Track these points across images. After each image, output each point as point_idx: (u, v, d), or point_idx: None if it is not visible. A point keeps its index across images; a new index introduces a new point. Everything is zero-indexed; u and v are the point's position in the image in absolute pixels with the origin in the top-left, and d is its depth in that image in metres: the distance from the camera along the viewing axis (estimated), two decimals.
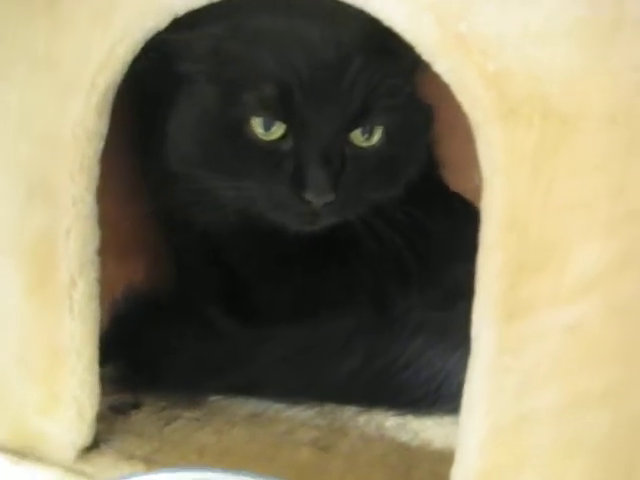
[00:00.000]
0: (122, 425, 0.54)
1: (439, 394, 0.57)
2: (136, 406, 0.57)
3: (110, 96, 0.46)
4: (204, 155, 0.56)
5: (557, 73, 0.36)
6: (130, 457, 0.50)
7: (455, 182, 0.71)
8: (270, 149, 0.53)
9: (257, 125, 0.53)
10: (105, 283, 0.57)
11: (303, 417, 0.56)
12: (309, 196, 0.52)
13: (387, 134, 0.56)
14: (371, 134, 0.55)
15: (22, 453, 0.51)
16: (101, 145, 0.47)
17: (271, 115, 0.53)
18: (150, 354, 0.60)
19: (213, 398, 0.58)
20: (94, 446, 0.51)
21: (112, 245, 0.61)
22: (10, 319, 0.50)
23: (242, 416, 0.56)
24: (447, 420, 0.56)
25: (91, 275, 0.49)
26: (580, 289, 0.37)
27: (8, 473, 0.50)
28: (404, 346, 0.58)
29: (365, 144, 0.55)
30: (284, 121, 0.53)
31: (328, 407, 0.58)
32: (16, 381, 0.50)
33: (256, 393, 0.58)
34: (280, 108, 0.52)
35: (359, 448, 0.53)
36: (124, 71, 0.45)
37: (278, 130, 0.53)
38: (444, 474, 0.48)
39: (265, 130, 0.53)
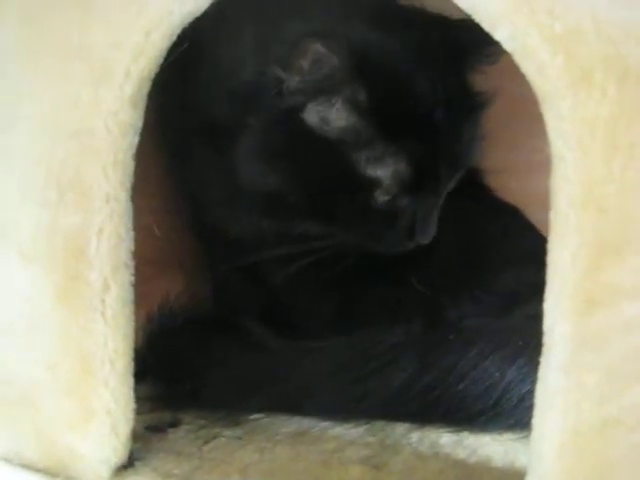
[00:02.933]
0: (159, 444, 0.51)
1: (497, 408, 0.52)
2: (174, 424, 0.54)
3: (145, 87, 0.44)
4: (300, 198, 0.55)
5: (636, 30, 0.33)
6: (168, 476, 0.46)
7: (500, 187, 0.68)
8: (385, 208, 0.55)
9: (380, 195, 0.54)
10: (142, 296, 0.55)
11: (352, 435, 0.52)
12: (420, 240, 0.57)
13: None
14: None
15: (53, 473, 0.48)
16: (136, 139, 0.45)
17: (400, 191, 0.54)
18: (189, 370, 0.57)
19: (254, 416, 0.54)
20: (129, 465, 0.47)
21: (149, 258, 0.59)
22: (40, 327, 0.46)
23: (286, 434, 0.52)
24: (506, 436, 0.52)
25: (125, 278, 0.46)
26: None
27: None
28: (458, 357, 0.54)
29: None
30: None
31: (378, 424, 0.53)
32: (46, 394, 0.47)
33: (300, 411, 0.55)
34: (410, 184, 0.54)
35: (413, 466, 0.48)
36: (160, 59, 0.43)
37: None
38: None
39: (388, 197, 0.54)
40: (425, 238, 0.56)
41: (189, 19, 0.42)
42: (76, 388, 0.46)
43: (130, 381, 0.47)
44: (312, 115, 0.52)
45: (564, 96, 0.34)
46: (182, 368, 0.57)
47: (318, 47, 0.48)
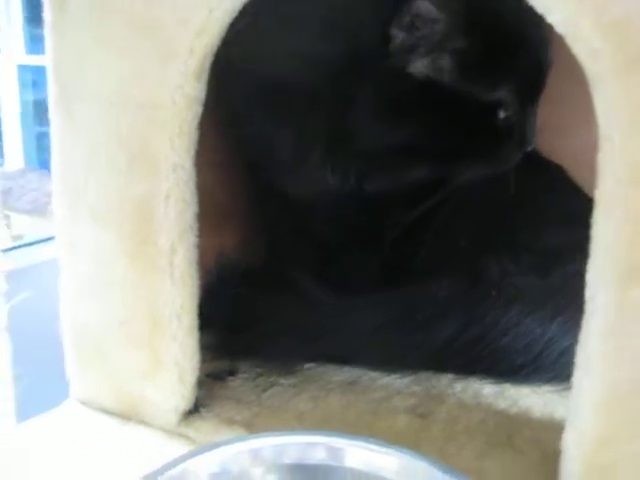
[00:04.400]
0: (220, 391, 0.55)
1: (538, 362, 0.55)
2: (232, 373, 0.58)
3: (208, 61, 0.46)
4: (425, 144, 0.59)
5: None
6: (231, 422, 0.50)
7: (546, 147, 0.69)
8: (505, 124, 0.59)
9: (501, 112, 0.59)
10: (200, 251, 0.58)
11: (399, 385, 0.56)
12: (528, 146, 0.61)
13: None
14: None
15: (126, 416, 0.52)
16: (200, 110, 0.47)
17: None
18: (244, 322, 0.60)
19: (307, 366, 0.58)
20: (195, 411, 0.52)
21: (206, 214, 0.62)
22: (114, 285, 0.50)
23: (337, 383, 0.56)
24: (545, 389, 0.55)
25: (190, 241, 0.49)
26: None
27: (114, 434, 0.51)
28: (501, 313, 0.57)
29: None
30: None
31: (424, 375, 0.57)
32: (120, 346, 0.51)
33: (350, 361, 0.58)
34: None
35: (457, 415, 0.52)
36: (222, 35, 0.45)
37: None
38: (545, 441, 0.48)
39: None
40: (532, 143, 0.61)
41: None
42: (146, 342, 0.50)
43: (196, 334, 0.50)
44: (425, 68, 0.56)
45: (613, 80, 0.36)
46: (239, 319, 0.61)
47: (427, 5, 0.53)
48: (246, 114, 0.61)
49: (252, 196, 0.66)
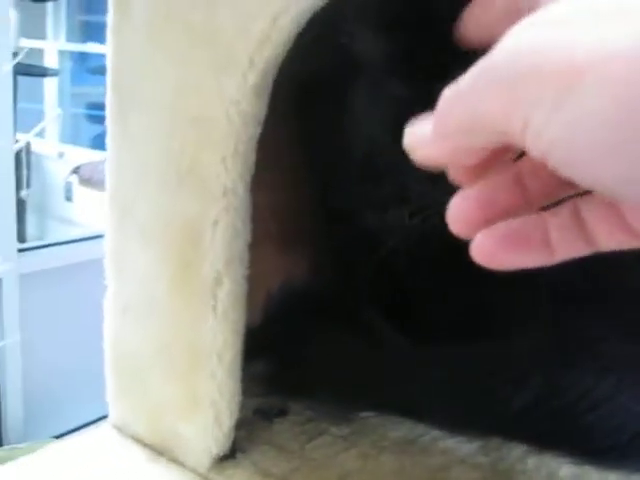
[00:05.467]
0: (263, 434, 0.50)
1: (630, 447, 0.47)
2: (282, 413, 0.53)
3: (271, 75, 0.41)
4: None
5: None
6: (266, 474, 0.46)
7: None
8: None
9: None
10: (262, 274, 0.54)
11: (463, 451, 0.49)
12: None
13: None
14: None
15: (158, 450, 0.48)
16: (258, 130, 0.42)
17: None
18: (303, 356, 0.55)
19: (364, 414, 0.52)
20: (231, 455, 0.47)
21: (272, 235, 0.58)
22: (155, 311, 0.46)
23: (393, 440, 0.50)
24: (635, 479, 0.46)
25: (239, 272, 0.44)
26: None
27: (143, 469, 0.47)
28: (592, 384, 0.49)
29: None
30: None
31: (493, 443, 0.50)
32: (157, 375, 0.47)
33: (413, 415, 0.52)
34: None
35: None
36: (288, 47, 0.40)
37: None
38: None
39: None
40: None
41: (321, 3, 0.38)
42: (183, 375, 0.46)
43: (237, 374, 0.46)
44: None
45: None
46: (296, 352, 0.56)
47: None
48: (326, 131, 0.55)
49: (323, 220, 0.60)
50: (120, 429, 0.51)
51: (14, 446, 1.40)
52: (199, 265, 0.44)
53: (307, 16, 0.39)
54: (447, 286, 0.57)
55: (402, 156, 0.51)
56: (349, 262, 0.60)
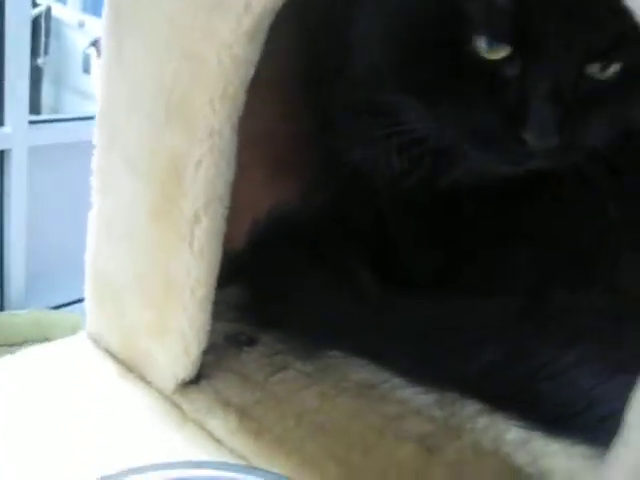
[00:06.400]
0: (230, 362, 0.52)
1: (580, 419, 0.49)
2: (252, 342, 0.54)
3: (267, 21, 0.40)
4: (398, 71, 0.49)
5: None
6: (226, 403, 0.48)
7: None
8: (488, 71, 0.44)
9: (478, 41, 0.44)
10: (250, 199, 0.54)
11: (419, 403, 0.51)
12: (528, 136, 0.44)
13: (625, 71, 0.45)
14: (607, 68, 0.45)
15: (129, 366, 0.51)
16: (250, 73, 0.41)
17: (498, 33, 0.43)
18: (279, 288, 0.56)
19: (329, 353, 0.54)
20: (195, 381, 0.49)
21: (262, 160, 0.58)
22: (134, 238, 0.47)
23: (354, 382, 0.52)
24: (576, 451, 0.48)
25: (218, 212, 0.44)
26: None
27: (111, 382, 0.50)
28: (557, 353, 0.50)
29: (600, 77, 0.45)
30: (514, 43, 0.43)
31: (449, 397, 0.51)
32: (133, 298, 0.49)
33: (378, 360, 0.53)
34: (512, 25, 0.43)
35: (467, 459, 0.47)
36: None
37: (502, 51, 0.44)
38: None
39: (488, 47, 0.44)
40: (534, 136, 0.43)
41: None
42: (156, 304, 0.47)
43: (209, 308, 0.47)
44: None
45: None
46: (274, 283, 0.57)
47: None
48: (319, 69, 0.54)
49: (318, 149, 0.60)
50: (95, 340, 0.53)
51: (14, 312, 1.46)
52: (180, 201, 0.44)
53: None
54: (429, 233, 0.58)
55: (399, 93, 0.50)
56: (338, 197, 0.60)
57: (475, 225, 0.54)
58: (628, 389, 0.48)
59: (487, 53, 0.44)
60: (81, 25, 2.00)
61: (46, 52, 1.91)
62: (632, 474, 0.34)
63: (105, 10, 0.45)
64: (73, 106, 1.98)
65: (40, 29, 1.89)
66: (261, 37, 0.40)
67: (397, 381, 0.52)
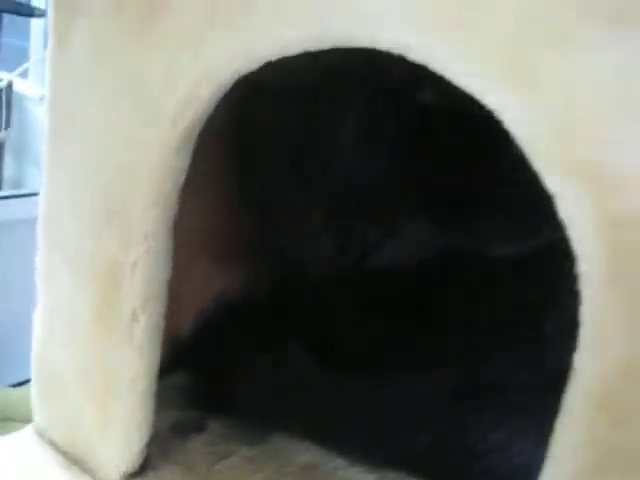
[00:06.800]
0: (176, 451, 0.53)
1: None
2: (199, 428, 0.56)
3: (194, 133, 0.42)
4: None
5: None
6: None
7: None
8: None
9: None
10: (195, 289, 0.56)
11: None
12: None
13: None
14: None
15: (73, 459, 0.51)
16: (182, 178, 0.44)
17: None
18: (221, 373, 0.58)
19: (275, 435, 0.55)
20: (140, 472, 0.50)
21: (205, 253, 0.60)
22: (76, 335, 0.49)
23: (297, 465, 0.53)
24: None
25: (155, 310, 0.46)
26: None
27: (57, 477, 0.50)
28: (492, 428, 0.52)
29: None
30: None
31: (390, 476, 0.53)
32: (74, 393, 0.50)
33: (320, 442, 0.55)
34: None
35: None
36: (210, 110, 0.41)
37: None
38: None
39: None
40: None
41: (240, 74, 0.39)
42: (98, 398, 0.48)
43: (150, 402, 0.48)
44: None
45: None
46: (219, 369, 0.58)
47: None
48: (251, 161, 0.57)
49: (258, 241, 0.62)
50: (41, 434, 0.53)
51: None
52: (118, 302, 0.46)
53: (229, 84, 0.40)
54: (363, 313, 0.60)
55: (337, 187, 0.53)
56: (279, 285, 0.63)
57: (405, 305, 0.56)
58: None
59: None
60: (43, 99, 2.03)
61: (8, 126, 1.93)
62: None
63: (45, 119, 0.48)
64: (36, 179, 1.99)
65: (1, 103, 1.92)
66: (190, 146, 0.43)
67: (340, 462, 0.54)
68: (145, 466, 0.50)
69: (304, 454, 0.54)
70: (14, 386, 1.48)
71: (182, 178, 0.44)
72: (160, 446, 0.52)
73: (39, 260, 0.51)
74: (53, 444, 0.53)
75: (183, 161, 0.43)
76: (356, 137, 0.49)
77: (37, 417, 0.54)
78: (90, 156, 0.45)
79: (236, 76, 0.39)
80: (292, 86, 0.49)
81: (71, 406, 0.50)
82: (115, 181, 0.44)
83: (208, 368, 0.59)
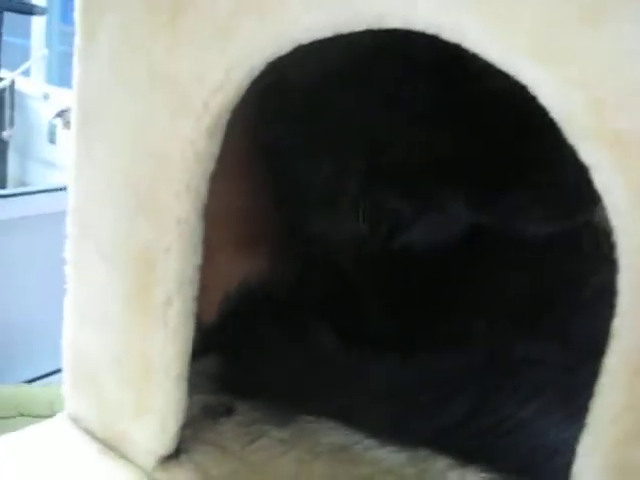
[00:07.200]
0: (208, 434, 0.54)
1: (544, 467, 0.51)
2: (229, 411, 0.56)
3: (224, 119, 0.43)
4: None
5: None
6: (206, 476, 0.50)
7: None
8: None
9: None
10: (220, 275, 0.57)
11: (392, 461, 0.53)
12: None
13: None
14: None
15: (109, 446, 0.52)
16: (211, 166, 0.44)
17: None
18: (249, 357, 0.59)
19: (304, 418, 0.56)
20: (175, 456, 0.51)
21: (230, 238, 0.60)
22: (110, 324, 0.50)
23: (327, 446, 0.54)
24: None
25: (189, 294, 0.47)
26: None
27: (92, 462, 0.51)
28: (517, 406, 0.53)
29: None
30: None
31: (421, 453, 0.54)
32: (111, 380, 0.51)
33: (349, 422, 0.56)
34: None
35: None
36: (241, 95, 0.42)
37: None
38: None
39: None
40: None
41: (271, 59, 0.40)
42: (134, 384, 0.49)
43: (184, 386, 0.49)
44: None
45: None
46: (246, 353, 0.59)
47: None
48: (281, 144, 0.58)
49: (281, 225, 0.63)
50: (75, 420, 0.54)
51: None
52: (152, 287, 0.47)
53: (259, 69, 0.41)
54: (391, 294, 0.61)
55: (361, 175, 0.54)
56: (303, 269, 0.63)
57: (435, 284, 0.57)
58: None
59: None
60: (46, 97, 2.03)
61: (11, 125, 1.94)
62: None
63: (73, 114, 0.48)
64: (39, 176, 2.00)
65: (4, 103, 1.93)
66: (220, 132, 0.43)
67: (369, 442, 0.55)
68: (179, 450, 0.51)
69: (333, 435, 0.55)
70: (28, 382, 1.50)
71: (212, 165, 0.44)
72: (192, 430, 0.53)
73: (69, 251, 0.51)
74: (88, 430, 0.53)
75: (213, 147, 0.44)
76: (389, 114, 0.49)
77: (70, 405, 0.55)
78: (120, 149, 0.46)
79: (266, 62, 0.40)
80: (321, 67, 0.49)
81: (106, 393, 0.51)
82: (147, 169, 0.45)
83: (235, 352, 0.60)
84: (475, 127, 0.47)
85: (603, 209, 0.32)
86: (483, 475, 0.52)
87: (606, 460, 0.33)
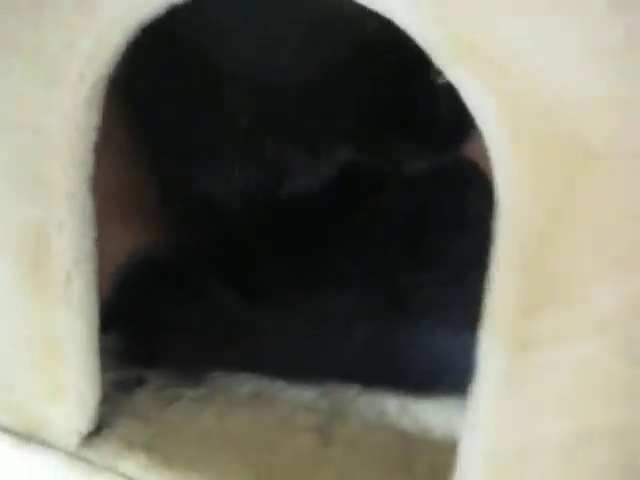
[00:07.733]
0: (124, 406, 0.54)
1: (446, 376, 0.56)
2: (139, 383, 0.57)
3: (101, 87, 0.43)
4: None
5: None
6: (131, 445, 0.50)
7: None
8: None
9: None
10: (109, 249, 0.56)
11: (305, 398, 0.56)
12: None
13: None
14: None
15: (27, 436, 0.51)
16: (94, 136, 0.45)
17: None
18: (150, 326, 0.60)
19: (215, 374, 0.58)
20: (97, 432, 0.51)
21: (115, 211, 0.60)
22: (13, 309, 0.48)
23: (244, 395, 0.56)
24: (447, 403, 0.56)
25: (88, 268, 0.47)
26: (593, 327, 0.35)
27: (11, 456, 0.50)
28: (412, 326, 0.57)
29: None
30: None
31: (330, 386, 0.57)
32: (20, 368, 0.50)
33: (257, 370, 0.58)
34: None
35: (359, 436, 0.53)
36: (114, 64, 0.42)
37: None
38: (443, 466, 0.49)
39: None
40: None
41: (145, 23, 0.41)
42: (45, 367, 0.49)
43: (96, 359, 0.49)
44: None
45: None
46: (143, 324, 0.60)
47: None
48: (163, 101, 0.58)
49: (162, 193, 0.63)
50: None
51: None
52: (49, 265, 0.46)
53: (133, 35, 0.41)
54: (280, 247, 0.63)
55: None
56: (188, 228, 0.64)
57: (321, 228, 0.60)
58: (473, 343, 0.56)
59: None
60: None
61: None
62: (485, 459, 0.40)
63: None
64: None
65: None
66: (98, 103, 0.43)
67: (280, 384, 0.57)
68: (100, 426, 0.52)
69: (246, 385, 0.57)
70: None
71: (94, 136, 0.44)
72: (109, 405, 0.53)
73: None
74: (2, 427, 0.52)
75: (93, 118, 0.44)
76: (273, 63, 0.51)
77: None
78: (1, 124, 0.45)
79: (138, 26, 0.41)
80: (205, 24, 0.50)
81: (17, 381, 0.50)
82: (29, 147, 0.44)
83: (135, 324, 0.60)
84: (356, 70, 0.50)
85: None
86: (390, 396, 0.57)
87: (507, 337, 0.37)
